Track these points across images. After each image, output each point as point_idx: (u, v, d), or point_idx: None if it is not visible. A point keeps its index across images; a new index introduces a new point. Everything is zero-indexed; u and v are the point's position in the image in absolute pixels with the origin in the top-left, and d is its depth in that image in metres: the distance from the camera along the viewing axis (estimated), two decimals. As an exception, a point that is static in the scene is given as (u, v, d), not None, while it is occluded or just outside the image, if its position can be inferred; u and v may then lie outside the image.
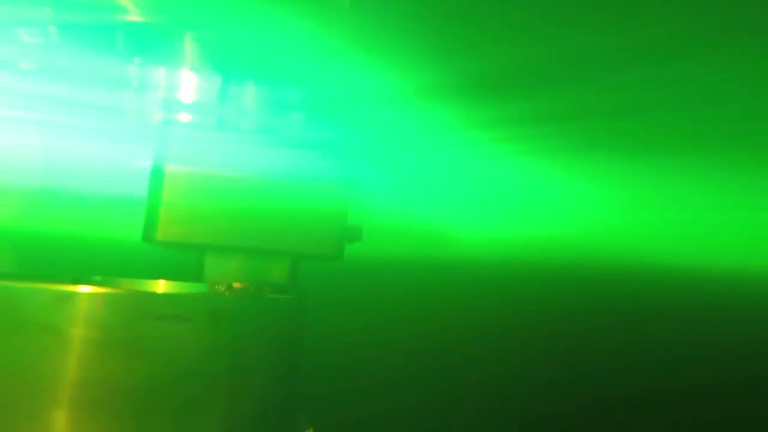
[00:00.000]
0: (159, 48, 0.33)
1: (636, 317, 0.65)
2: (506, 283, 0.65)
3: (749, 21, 0.36)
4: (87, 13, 0.31)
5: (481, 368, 0.57)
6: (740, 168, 0.63)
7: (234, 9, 0.33)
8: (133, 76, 0.34)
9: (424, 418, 0.54)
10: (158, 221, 0.31)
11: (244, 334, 0.28)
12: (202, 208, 0.31)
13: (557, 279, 0.66)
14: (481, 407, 0.55)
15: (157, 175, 0.31)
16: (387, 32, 0.40)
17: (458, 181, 0.70)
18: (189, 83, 0.33)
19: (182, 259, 0.36)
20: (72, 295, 0.23)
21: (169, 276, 0.32)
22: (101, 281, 0.29)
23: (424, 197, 0.69)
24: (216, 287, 0.31)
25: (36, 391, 0.23)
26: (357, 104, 0.38)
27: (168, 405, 0.25)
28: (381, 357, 0.59)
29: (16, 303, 0.22)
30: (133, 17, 0.32)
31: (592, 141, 0.58)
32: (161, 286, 0.31)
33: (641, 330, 0.63)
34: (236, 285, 0.32)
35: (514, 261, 0.68)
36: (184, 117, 0.33)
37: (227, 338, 0.27)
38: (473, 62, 0.45)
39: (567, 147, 0.60)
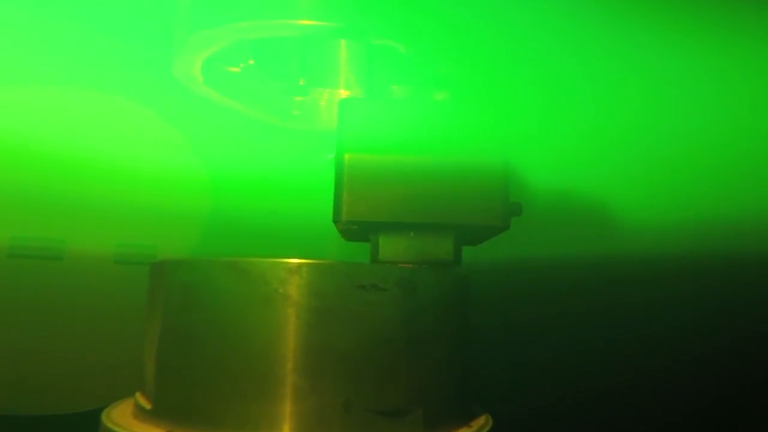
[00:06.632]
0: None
1: None
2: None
3: None
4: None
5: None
6: None
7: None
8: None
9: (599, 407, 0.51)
10: (343, 203, 0.34)
11: (427, 303, 0.30)
12: (379, 188, 0.34)
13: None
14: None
15: (340, 160, 0.34)
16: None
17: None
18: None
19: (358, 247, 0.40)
20: (301, 267, 0.27)
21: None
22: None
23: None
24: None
25: (283, 357, 0.27)
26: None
27: (370, 369, 0.28)
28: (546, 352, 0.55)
29: (263, 276, 0.26)
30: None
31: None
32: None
33: None
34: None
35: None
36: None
37: (414, 307, 0.30)
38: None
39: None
